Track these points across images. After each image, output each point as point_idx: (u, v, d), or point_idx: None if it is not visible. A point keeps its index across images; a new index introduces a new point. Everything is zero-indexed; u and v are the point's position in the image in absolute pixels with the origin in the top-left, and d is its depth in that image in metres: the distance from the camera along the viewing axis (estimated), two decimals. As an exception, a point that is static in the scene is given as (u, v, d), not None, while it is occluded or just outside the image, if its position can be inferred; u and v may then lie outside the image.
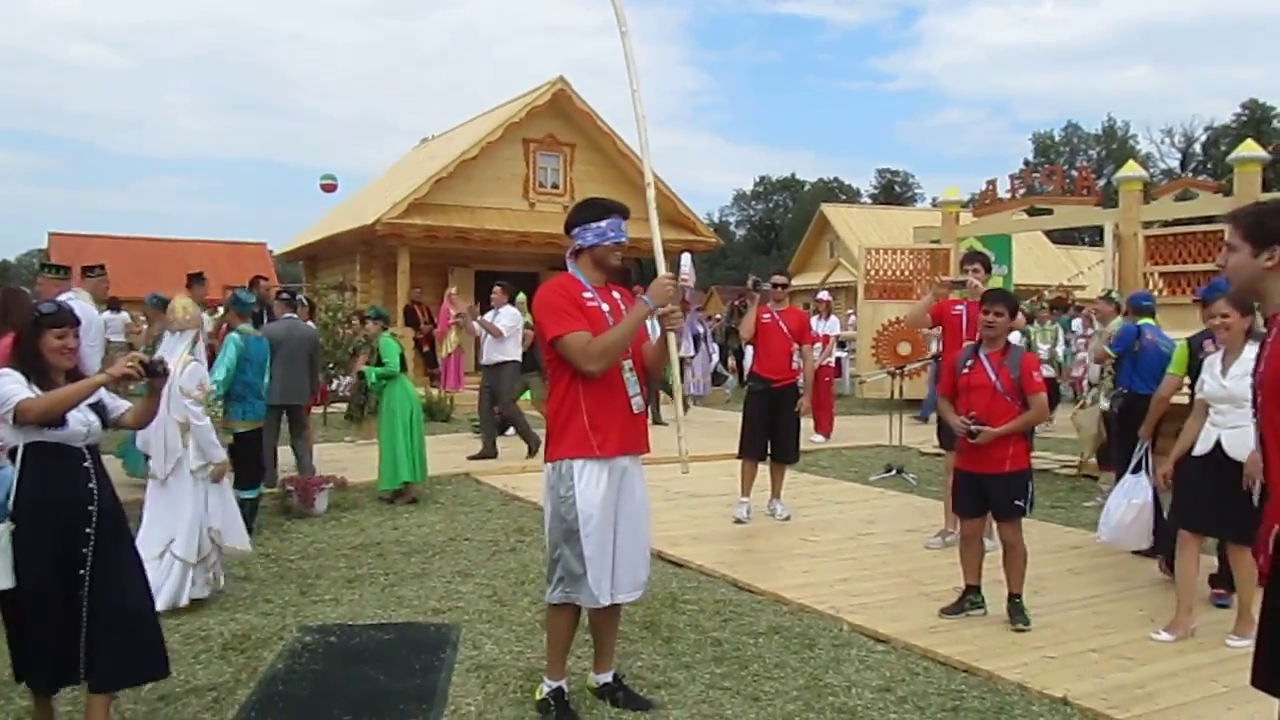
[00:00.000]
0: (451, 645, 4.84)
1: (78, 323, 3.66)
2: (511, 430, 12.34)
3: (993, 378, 5.19)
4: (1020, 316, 6.43)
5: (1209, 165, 51.26)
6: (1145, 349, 6.89)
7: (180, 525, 5.34)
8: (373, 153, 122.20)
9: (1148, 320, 7.16)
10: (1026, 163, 52.88)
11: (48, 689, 3.59)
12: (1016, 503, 5.14)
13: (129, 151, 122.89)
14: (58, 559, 3.43)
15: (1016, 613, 5.12)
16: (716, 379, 18.48)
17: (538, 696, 4.07)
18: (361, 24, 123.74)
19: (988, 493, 5.18)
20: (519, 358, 10.59)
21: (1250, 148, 11.68)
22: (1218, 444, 4.93)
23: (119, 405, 3.77)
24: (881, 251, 16.20)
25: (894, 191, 67.17)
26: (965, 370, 5.30)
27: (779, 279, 7.86)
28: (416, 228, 17.97)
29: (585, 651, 4.45)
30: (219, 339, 7.72)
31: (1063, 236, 37.49)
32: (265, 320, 9.63)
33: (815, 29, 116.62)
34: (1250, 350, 4.63)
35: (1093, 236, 38.48)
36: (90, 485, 3.53)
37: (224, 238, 34.36)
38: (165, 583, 5.22)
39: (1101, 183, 17.03)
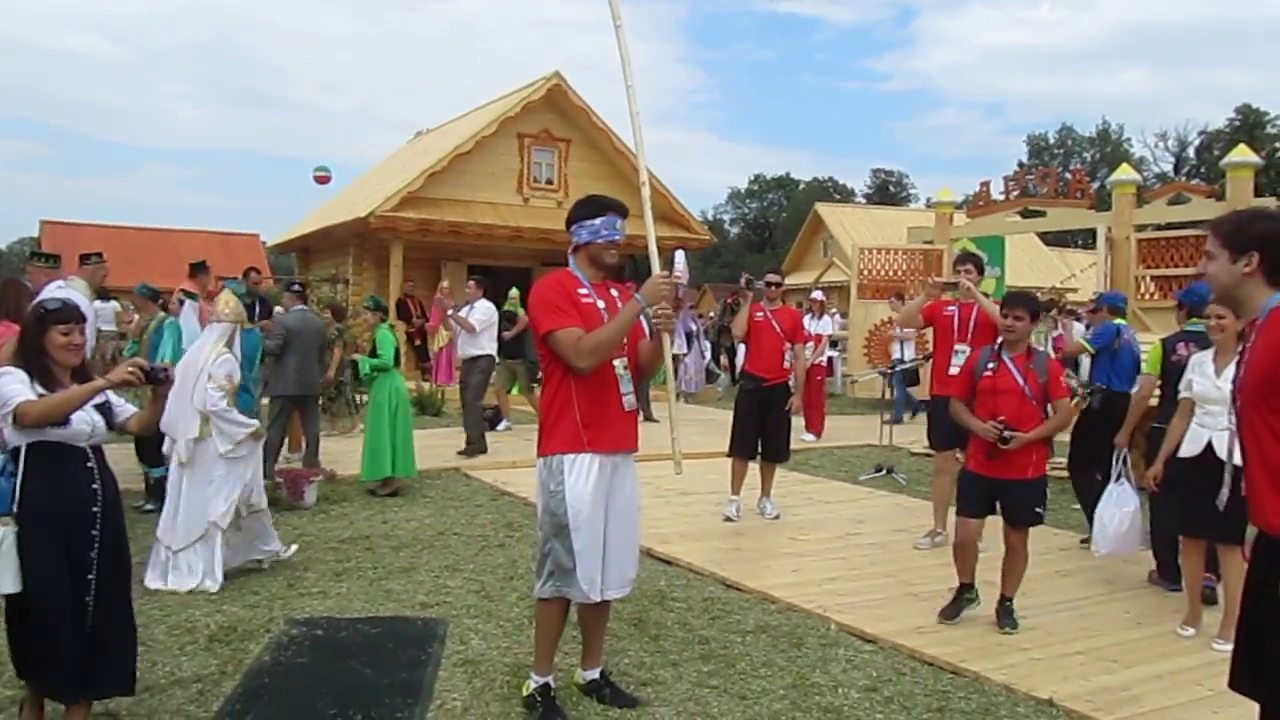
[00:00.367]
0: (439, 640, 4.83)
1: (84, 319, 3.60)
2: (503, 425, 12.35)
3: (1020, 382, 5.04)
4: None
5: (1202, 170, 51.40)
6: (1123, 348, 7.02)
7: (218, 500, 5.64)
8: (367, 145, 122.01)
9: (1120, 320, 7.30)
10: (1021, 165, 52.88)
11: (61, 696, 3.49)
12: (1037, 510, 5.09)
13: (123, 140, 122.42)
14: (64, 561, 3.37)
15: (1006, 615, 5.12)
16: (709, 377, 18.48)
17: (524, 692, 4.06)
18: (357, 16, 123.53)
19: (1004, 499, 5.06)
20: (493, 352, 10.60)
21: (1243, 153, 11.73)
22: (1209, 446, 4.96)
23: (125, 409, 3.70)
24: (875, 251, 16.23)
25: (889, 191, 67.18)
26: (988, 373, 5.12)
27: (772, 278, 7.86)
28: (409, 221, 17.92)
29: (573, 648, 4.44)
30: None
31: (1056, 239, 37.59)
32: (259, 313, 9.61)
33: (811, 28, 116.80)
34: None
35: (1086, 239, 38.54)
36: (94, 486, 3.48)
37: (217, 228, 34.27)
38: (204, 560, 5.55)
39: (1095, 186, 17.07)
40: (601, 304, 3.93)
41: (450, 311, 11.08)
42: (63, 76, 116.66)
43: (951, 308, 6.76)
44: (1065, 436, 9.39)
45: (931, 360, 7.13)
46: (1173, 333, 6.03)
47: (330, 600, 5.48)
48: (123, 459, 6.59)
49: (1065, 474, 9.80)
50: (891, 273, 15.59)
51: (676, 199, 20.75)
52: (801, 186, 69.85)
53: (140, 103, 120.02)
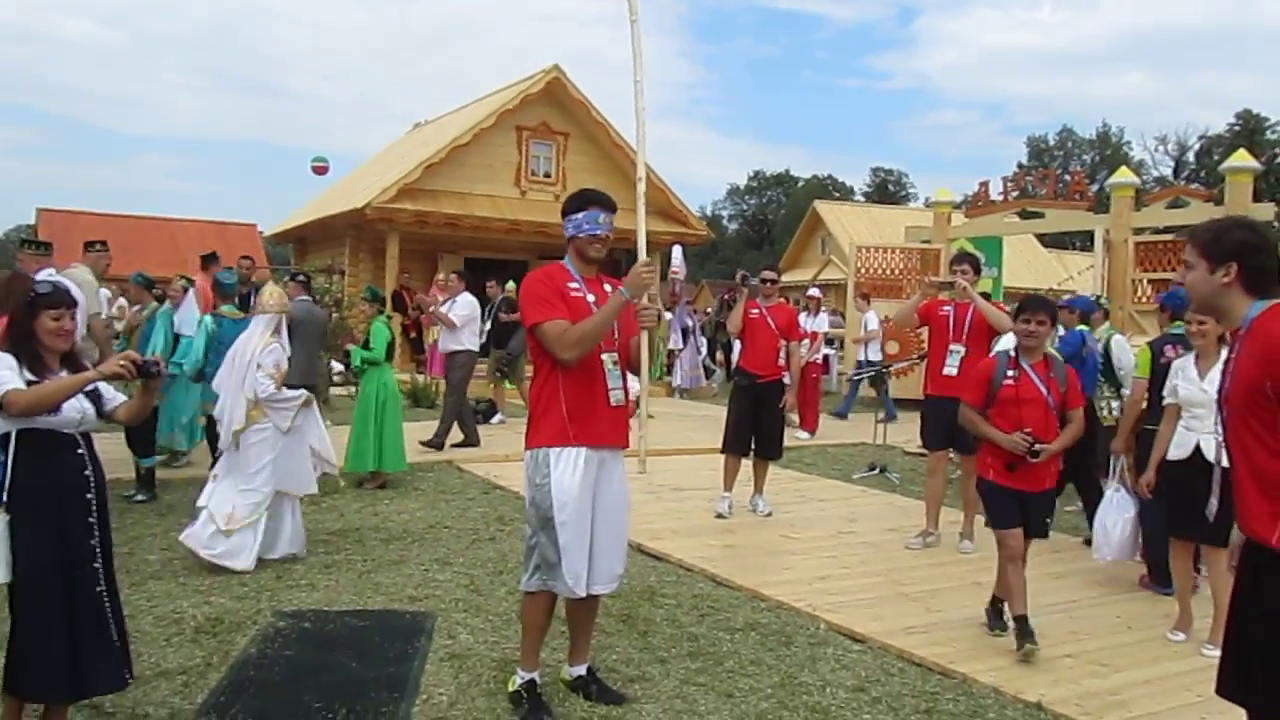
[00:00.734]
0: (426, 634, 4.81)
1: (74, 304, 3.56)
2: (496, 418, 12.33)
3: (1044, 392, 4.83)
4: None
5: (1202, 174, 51.38)
6: (1091, 354, 7.05)
7: (260, 478, 5.91)
8: (365, 136, 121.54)
9: (1084, 327, 7.37)
10: (1020, 166, 52.91)
11: (51, 700, 3.40)
12: (1047, 520, 5.03)
13: (120, 128, 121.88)
14: (61, 550, 3.32)
15: (996, 617, 5.11)
16: (705, 373, 18.47)
17: (510, 688, 4.05)
18: (357, 6, 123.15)
19: (1021, 511, 4.88)
20: (474, 347, 10.56)
21: (1243, 158, 11.72)
22: (1197, 449, 4.97)
23: (115, 398, 3.65)
24: (872, 250, 16.20)
25: (888, 190, 67.14)
26: (1009, 381, 4.86)
27: (768, 274, 7.83)
28: (406, 213, 17.87)
29: (560, 644, 4.42)
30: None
31: (1054, 240, 37.54)
32: (250, 302, 9.56)
33: (813, 25, 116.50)
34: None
35: (1083, 241, 38.52)
36: (86, 473, 3.44)
37: (214, 217, 34.09)
38: (251, 543, 5.77)
39: (1094, 188, 17.05)
40: (591, 297, 3.92)
41: (432, 309, 11.06)
42: (60, 64, 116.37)
43: (947, 308, 6.74)
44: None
45: (926, 360, 7.11)
46: (1159, 336, 6.05)
47: (319, 593, 5.46)
48: (113, 449, 6.55)
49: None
50: (889, 272, 15.58)
51: (675, 194, 20.69)
52: (801, 184, 69.82)
53: (138, 91, 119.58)
